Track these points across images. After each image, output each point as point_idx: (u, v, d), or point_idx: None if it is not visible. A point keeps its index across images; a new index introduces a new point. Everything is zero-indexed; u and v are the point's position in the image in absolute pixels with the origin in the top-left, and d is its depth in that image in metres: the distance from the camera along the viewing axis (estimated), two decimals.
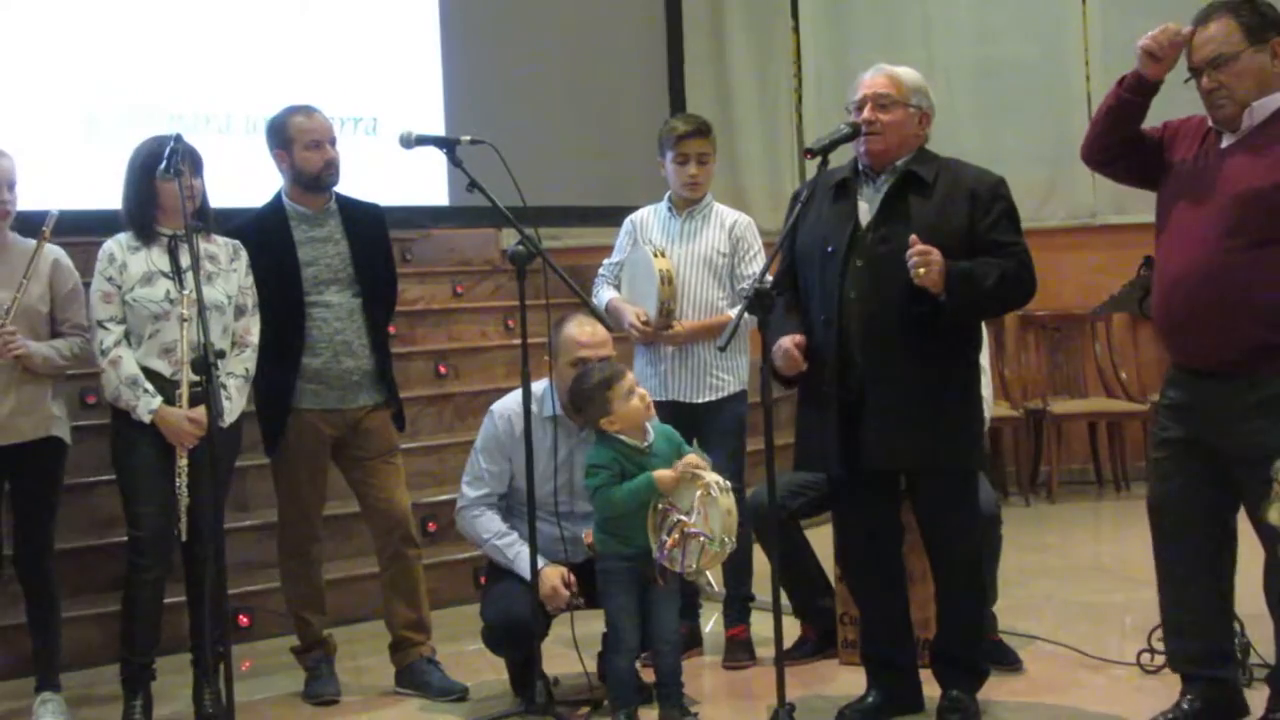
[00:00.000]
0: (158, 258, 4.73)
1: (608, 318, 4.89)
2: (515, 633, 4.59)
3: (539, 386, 4.66)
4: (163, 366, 4.69)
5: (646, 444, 4.48)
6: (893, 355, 4.19)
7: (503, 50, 8.94)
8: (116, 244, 4.75)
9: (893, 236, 4.22)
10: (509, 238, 7.73)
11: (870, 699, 4.48)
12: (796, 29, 9.68)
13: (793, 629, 5.22)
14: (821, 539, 5.01)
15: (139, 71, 7.68)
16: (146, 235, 4.74)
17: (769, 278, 4.24)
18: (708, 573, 4.87)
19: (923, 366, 4.19)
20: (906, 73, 4.38)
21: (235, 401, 4.75)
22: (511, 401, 4.70)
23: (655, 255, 5.15)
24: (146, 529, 4.68)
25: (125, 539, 4.79)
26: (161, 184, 4.62)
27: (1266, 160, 3.88)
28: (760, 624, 5.21)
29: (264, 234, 4.97)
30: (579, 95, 9.20)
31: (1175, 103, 4.18)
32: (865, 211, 4.31)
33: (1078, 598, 6.12)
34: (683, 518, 4.30)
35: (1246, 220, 3.86)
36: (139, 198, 4.73)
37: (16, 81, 7.37)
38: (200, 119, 7.78)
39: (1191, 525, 4.07)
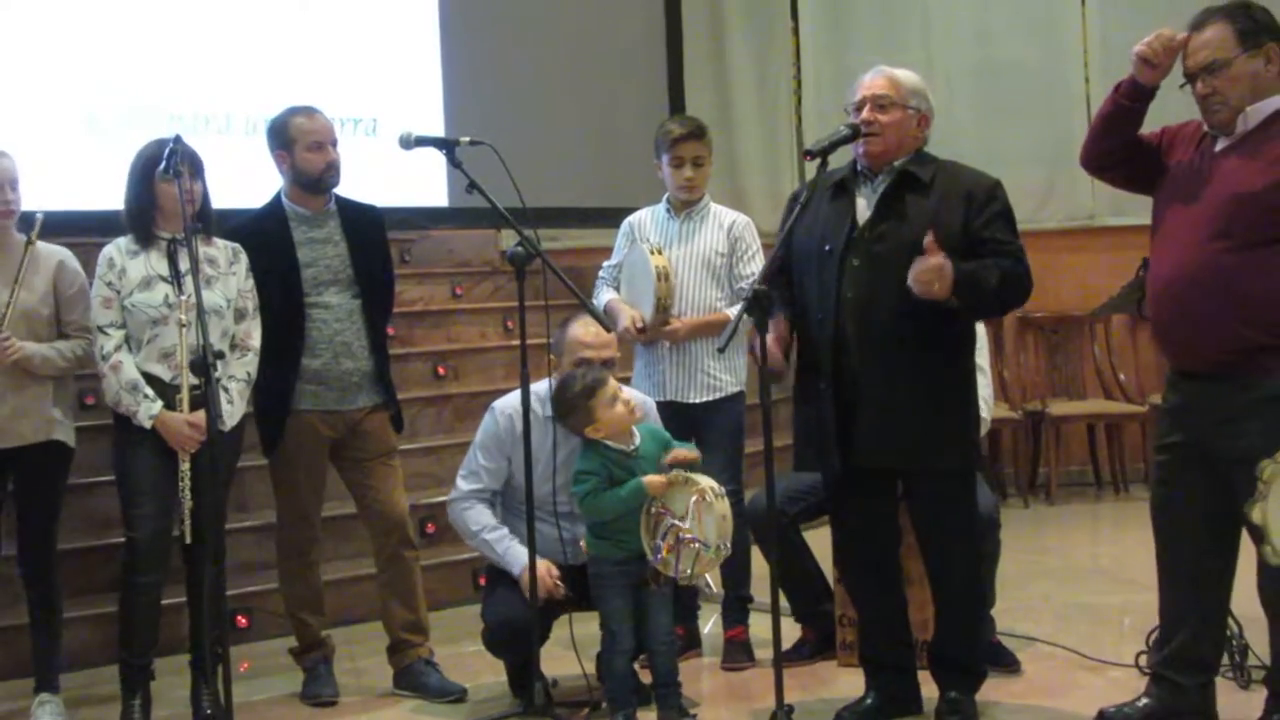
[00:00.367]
0: (156, 262, 4.73)
1: (607, 320, 4.89)
2: (516, 635, 4.59)
3: (541, 386, 4.66)
4: (162, 371, 4.69)
5: (633, 448, 4.48)
6: (888, 354, 4.19)
7: (502, 51, 8.95)
8: (115, 249, 4.75)
9: (889, 236, 4.23)
10: (508, 239, 7.70)
11: (869, 701, 4.48)
12: (796, 30, 9.67)
13: (791, 631, 5.22)
14: (821, 541, 5.01)
15: (139, 72, 7.69)
16: (145, 238, 4.74)
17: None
18: (706, 575, 4.87)
19: (917, 366, 4.20)
20: (905, 75, 4.38)
21: (236, 405, 4.75)
22: (514, 399, 4.69)
23: (652, 252, 5.15)
24: (143, 533, 4.68)
25: (123, 540, 4.78)
26: (161, 186, 4.63)
27: (1258, 163, 3.90)
28: (759, 626, 5.20)
29: (263, 235, 4.97)
30: (578, 96, 9.20)
31: (1171, 108, 4.19)
32: (863, 211, 4.31)
33: (1076, 599, 6.12)
34: (677, 523, 4.30)
35: (1237, 222, 3.87)
36: (139, 201, 4.73)
37: (16, 81, 7.38)
38: (200, 119, 7.78)
39: (1191, 530, 4.08)
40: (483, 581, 5.30)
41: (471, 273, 8.62)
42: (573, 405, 4.48)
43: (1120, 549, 7.29)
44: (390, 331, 5.36)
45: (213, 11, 7.98)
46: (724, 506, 4.27)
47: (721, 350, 4.55)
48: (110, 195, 4.90)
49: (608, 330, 4.77)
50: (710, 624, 5.59)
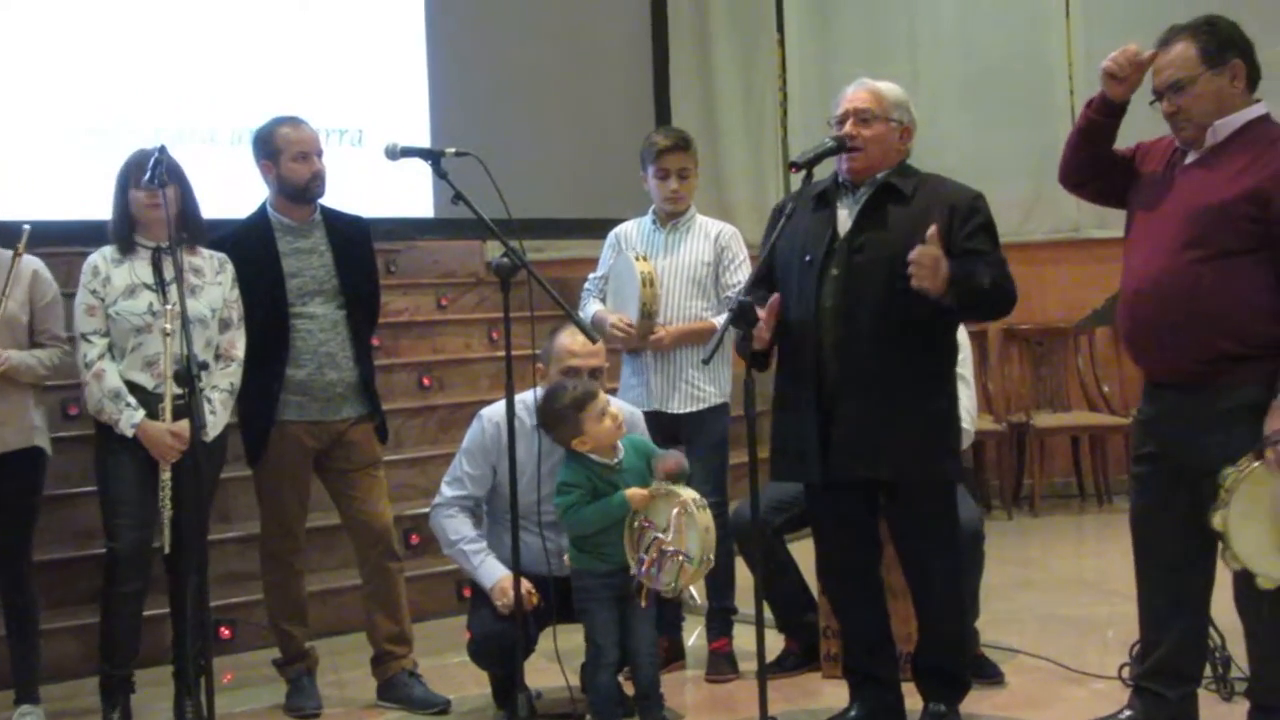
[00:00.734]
0: (141, 270, 4.73)
1: (594, 331, 4.89)
2: (503, 647, 4.57)
3: (529, 396, 4.66)
4: (145, 379, 4.69)
5: (616, 461, 4.48)
6: (867, 365, 4.19)
7: (488, 63, 8.95)
8: (100, 257, 4.76)
9: (869, 247, 4.24)
10: (493, 250, 7.75)
11: (853, 713, 4.48)
12: (782, 42, 9.70)
13: (776, 642, 5.22)
14: (804, 552, 5.01)
15: (124, 83, 7.68)
16: (127, 247, 4.74)
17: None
18: (690, 587, 4.87)
19: (897, 376, 4.20)
20: (888, 87, 4.39)
21: (220, 415, 4.75)
22: (503, 407, 4.68)
23: (637, 259, 5.15)
24: (124, 542, 4.67)
25: (104, 551, 4.77)
26: (132, 194, 4.68)
27: (1224, 175, 3.93)
28: (743, 637, 5.21)
29: (248, 245, 4.96)
30: (564, 108, 9.21)
31: (1139, 125, 4.21)
32: (844, 222, 4.32)
33: (1060, 611, 6.13)
34: (660, 535, 4.30)
35: (1204, 234, 3.90)
36: (118, 211, 4.75)
37: (3, 93, 7.36)
38: (186, 130, 7.77)
39: (1169, 541, 4.09)
40: (467, 593, 5.29)
41: (457, 284, 8.61)
42: (561, 416, 4.48)
43: (1104, 561, 7.30)
44: (375, 342, 5.35)
45: (199, 23, 7.98)
46: (706, 518, 4.27)
47: (706, 361, 4.55)
48: (93, 206, 4.90)
49: (594, 341, 4.77)
50: (694, 636, 5.58)
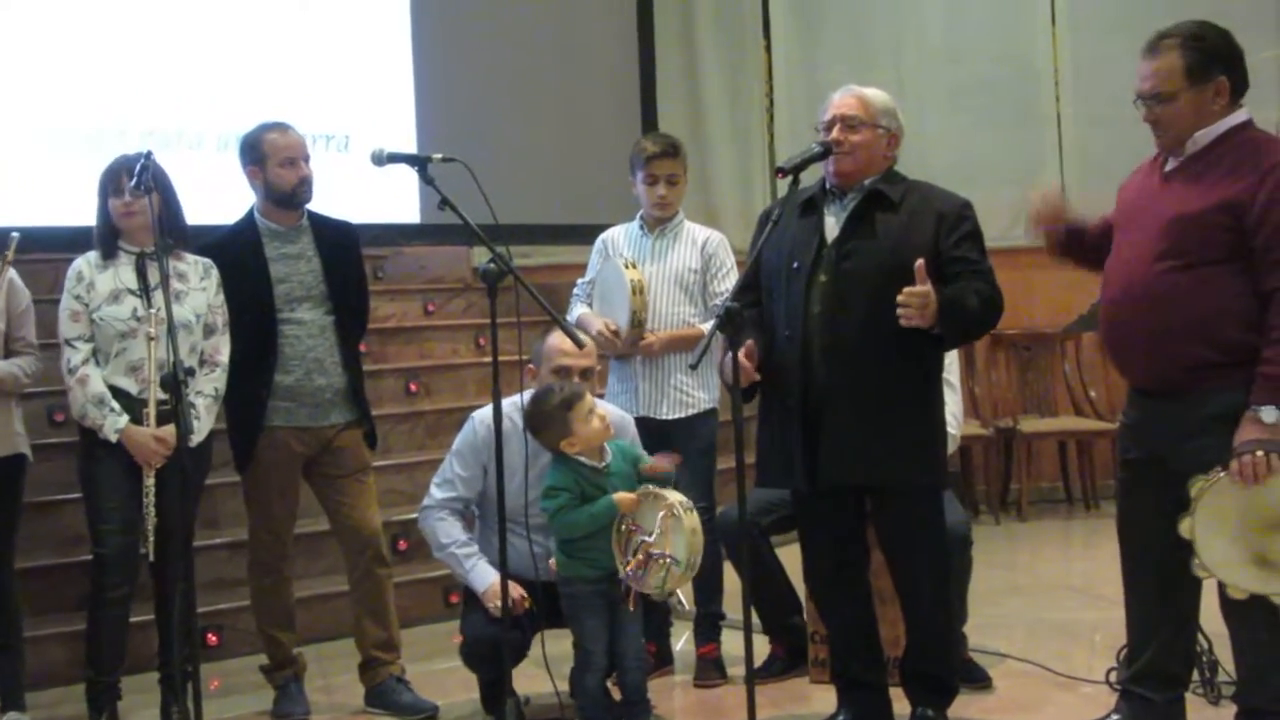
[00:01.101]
0: (125, 276, 4.73)
1: (580, 335, 4.88)
2: (496, 650, 4.55)
3: (520, 398, 4.66)
4: (129, 384, 4.69)
5: (604, 464, 4.48)
6: (854, 371, 4.20)
7: (475, 68, 8.95)
8: (85, 262, 4.77)
9: (857, 254, 4.24)
10: (480, 255, 7.73)
11: (840, 717, 4.49)
12: (768, 48, 9.70)
13: (763, 647, 5.23)
14: (792, 557, 5.01)
15: (110, 87, 7.66)
16: (109, 252, 4.74)
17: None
18: (678, 591, 4.87)
19: (884, 383, 4.20)
20: (875, 94, 4.40)
21: (204, 421, 4.75)
22: (505, 407, 4.64)
23: (626, 266, 5.16)
24: (110, 547, 4.67)
25: (91, 557, 4.76)
26: (110, 201, 4.70)
27: (1201, 186, 3.95)
28: (731, 642, 5.21)
29: (236, 251, 4.96)
30: (551, 113, 9.21)
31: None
32: (831, 229, 4.33)
33: (1047, 616, 6.13)
34: (646, 539, 4.30)
35: (1181, 243, 3.92)
36: (101, 217, 4.77)
37: None
38: (172, 135, 7.76)
39: (1155, 545, 4.10)
40: (454, 599, 5.28)
41: (444, 289, 8.60)
42: (549, 418, 4.48)
43: (1091, 565, 7.32)
44: (362, 348, 5.34)
45: (186, 28, 7.96)
46: (693, 520, 4.27)
47: (694, 367, 4.55)
48: (77, 212, 4.89)
49: (580, 346, 4.77)
50: (682, 641, 5.58)
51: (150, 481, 4.60)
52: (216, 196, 5.50)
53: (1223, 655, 4.46)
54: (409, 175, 4.54)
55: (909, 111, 4.55)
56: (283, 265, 4.97)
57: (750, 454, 4.34)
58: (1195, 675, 4.50)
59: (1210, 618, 4.24)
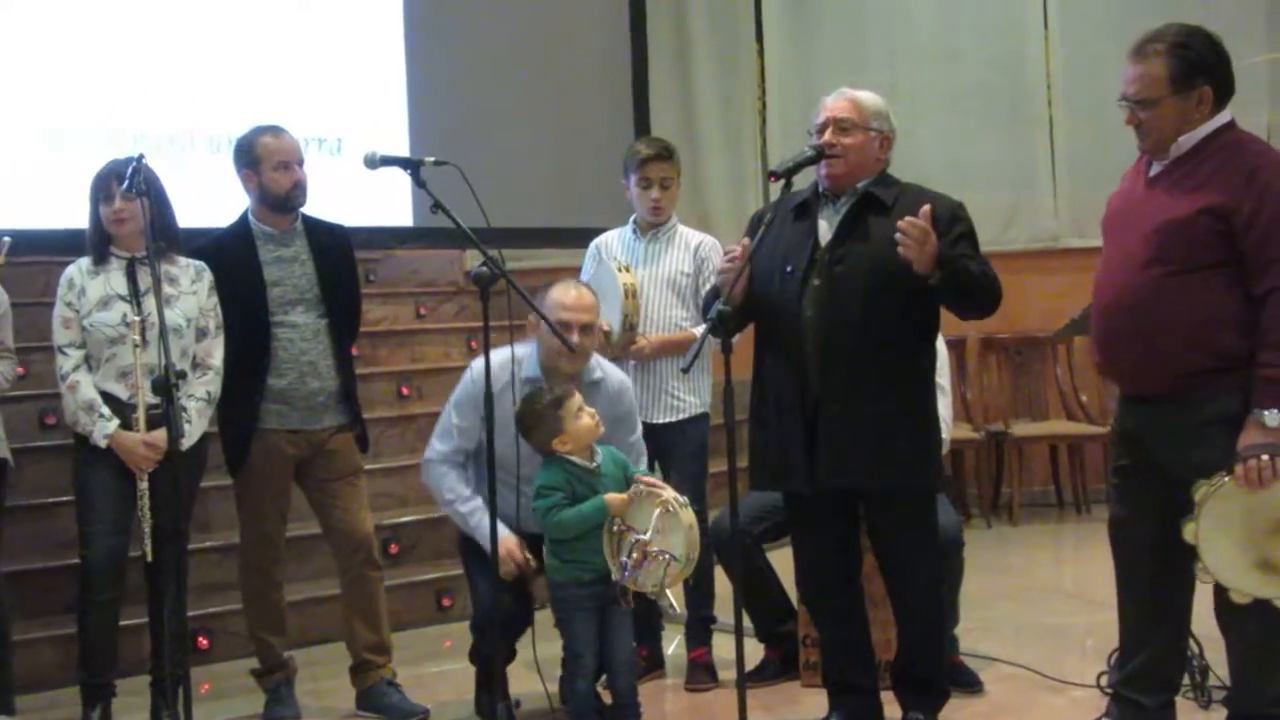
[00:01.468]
0: (115, 281, 4.73)
1: (570, 341, 4.88)
2: (506, 619, 4.55)
3: (520, 350, 4.67)
4: (120, 390, 4.69)
5: (596, 465, 4.48)
6: (848, 375, 4.20)
7: (467, 72, 8.94)
8: (76, 269, 4.77)
9: (851, 257, 4.24)
10: (473, 259, 7.71)
11: None
12: (761, 52, 9.71)
13: (755, 651, 5.23)
14: (784, 561, 5.01)
15: (102, 91, 7.65)
16: (101, 257, 4.75)
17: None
18: (669, 594, 4.87)
19: (878, 386, 4.20)
20: (868, 97, 4.40)
21: (196, 424, 4.74)
22: (494, 361, 4.58)
23: (619, 270, 5.17)
24: (97, 550, 4.67)
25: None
26: (101, 208, 4.69)
27: (1185, 190, 3.95)
28: (722, 646, 5.21)
29: (229, 254, 4.96)
30: (544, 117, 9.20)
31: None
32: (825, 232, 4.33)
33: (1038, 619, 6.14)
34: (642, 537, 4.30)
35: (1168, 249, 3.92)
36: (92, 222, 4.77)
37: None
38: (164, 138, 7.75)
39: (1148, 550, 4.11)
40: (446, 603, 5.26)
41: (436, 293, 8.60)
42: (541, 416, 4.48)
43: (1082, 569, 7.32)
44: (354, 351, 5.34)
45: (177, 30, 7.95)
46: (689, 516, 4.28)
47: (685, 370, 4.56)
48: (73, 214, 4.88)
49: (571, 350, 4.78)
50: (674, 645, 5.59)
51: (144, 485, 4.60)
52: (209, 199, 5.49)
53: (1214, 659, 4.47)
54: (401, 178, 4.54)
55: (901, 115, 4.55)
56: (276, 268, 4.97)
57: (741, 458, 4.34)
58: (1186, 679, 4.50)
59: (1202, 621, 4.24)
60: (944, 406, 4.86)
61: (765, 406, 4.39)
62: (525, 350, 4.72)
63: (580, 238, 5.67)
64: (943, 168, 8.16)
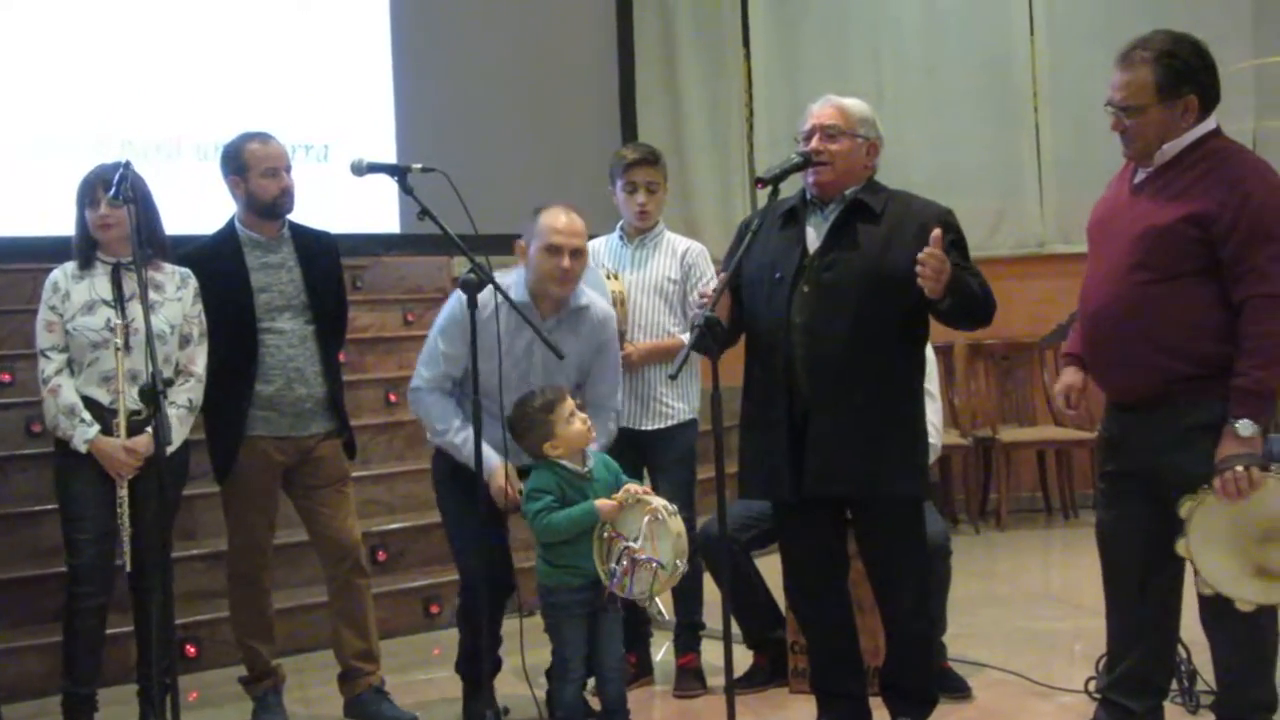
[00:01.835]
0: (100, 286, 4.72)
1: (559, 348, 4.87)
2: (495, 586, 4.55)
3: (506, 277, 4.66)
4: (102, 395, 4.67)
5: (587, 469, 4.48)
6: (836, 382, 4.19)
7: (454, 78, 8.95)
8: (61, 273, 4.76)
9: (839, 264, 4.24)
10: (460, 265, 7.72)
11: None
12: (748, 58, 9.72)
13: (744, 658, 5.22)
14: (772, 567, 5.01)
15: (89, 98, 7.66)
16: (87, 263, 4.74)
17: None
18: (658, 601, 4.87)
19: (866, 393, 4.20)
20: (854, 103, 4.40)
21: (178, 431, 4.72)
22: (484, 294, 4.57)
23: (607, 277, 5.16)
24: (83, 557, 4.65)
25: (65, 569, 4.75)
26: (87, 213, 4.69)
27: (1169, 197, 3.97)
28: (711, 652, 5.21)
29: (217, 260, 4.94)
30: (531, 123, 9.21)
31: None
32: (813, 239, 4.33)
33: (1026, 625, 6.14)
34: (631, 544, 4.31)
35: (1151, 257, 3.94)
36: (79, 227, 4.76)
37: None
38: (150, 145, 7.76)
39: (1135, 556, 4.11)
40: (434, 610, 5.22)
41: (423, 299, 8.58)
42: (533, 420, 4.48)
43: (1070, 575, 7.33)
44: (341, 358, 5.33)
45: (165, 38, 7.96)
46: (678, 524, 4.28)
47: (674, 377, 4.55)
48: (60, 221, 4.87)
49: (560, 357, 4.78)
50: (662, 651, 5.58)
51: (123, 492, 4.59)
52: (195, 206, 5.48)
53: (1201, 664, 4.48)
54: (388, 185, 4.53)
55: (888, 121, 4.56)
56: (264, 275, 4.96)
57: (731, 464, 4.35)
58: (1174, 684, 4.50)
59: (1189, 626, 4.25)
60: (933, 413, 4.87)
61: (753, 413, 4.39)
62: (510, 279, 4.69)
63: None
64: (929, 173, 8.20)
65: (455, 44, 9.02)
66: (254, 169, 4.93)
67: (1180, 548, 3.88)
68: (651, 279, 5.28)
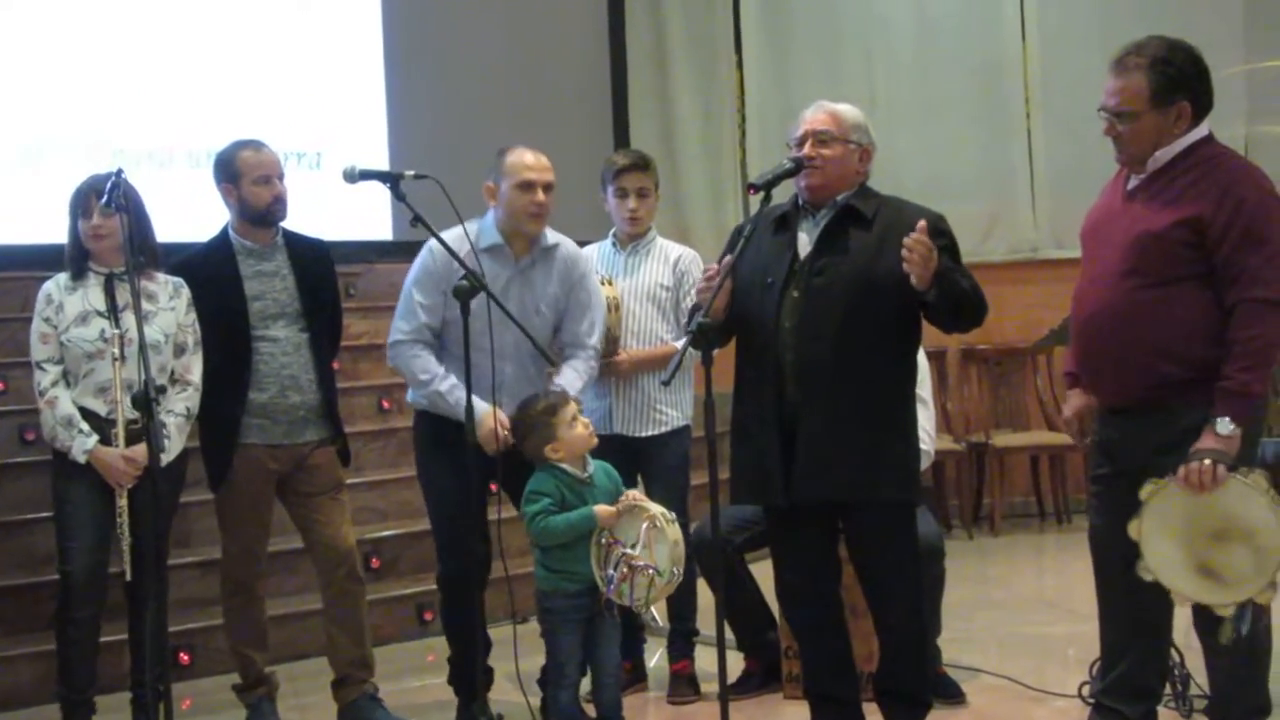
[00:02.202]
0: (93, 296, 4.72)
1: (553, 354, 4.88)
2: (476, 563, 4.59)
3: (472, 227, 4.73)
4: (98, 405, 4.67)
5: (587, 474, 4.49)
6: (827, 386, 4.19)
7: (446, 85, 8.95)
8: (54, 284, 4.76)
9: (830, 269, 4.24)
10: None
11: None
12: (740, 65, 9.72)
13: (737, 663, 5.23)
14: (766, 572, 5.01)
15: (81, 106, 7.66)
16: (78, 273, 4.74)
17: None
18: (652, 608, 4.87)
19: (857, 398, 4.20)
20: (847, 109, 4.40)
21: (175, 440, 4.72)
22: (450, 237, 4.64)
23: (602, 283, 5.17)
24: (75, 566, 4.65)
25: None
26: (80, 223, 4.69)
27: (1162, 203, 3.99)
28: (704, 658, 5.21)
29: (211, 268, 4.94)
30: (523, 130, 9.05)
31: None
32: (804, 244, 4.33)
33: (1020, 630, 6.15)
34: (629, 551, 4.31)
35: (1145, 261, 3.96)
36: (71, 237, 4.77)
37: None
38: (143, 153, 7.76)
39: (1128, 560, 4.11)
40: (428, 616, 5.19)
41: None
42: (535, 422, 4.49)
43: (1064, 579, 7.34)
44: (335, 365, 5.33)
45: (157, 46, 7.95)
46: (676, 532, 4.29)
47: (666, 383, 4.55)
48: (53, 230, 4.88)
49: (552, 363, 4.79)
50: (656, 657, 5.58)
51: (123, 502, 4.58)
52: (186, 214, 5.48)
53: (1195, 668, 4.48)
54: (381, 192, 4.55)
55: (880, 127, 4.56)
56: (257, 283, 4.95)
57: (723, 470, 4.35)
58: (1167, 689, 4.51)
59: (1183, 631, 4.25)
60: (926, 419, 4.87)
61: (744, 419, 4.39)
62: (475, 226, 4.75)
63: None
64: (921, 179, 8.19)
65: (447, 51, 9.02)
66: (246, 177, 4.93)
67: (1132, 528, 3.90)
68: (644, 286, 5.28)
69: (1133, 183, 4.11)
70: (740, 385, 4.40)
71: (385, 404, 7.64)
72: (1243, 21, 8.89)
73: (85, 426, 4.63)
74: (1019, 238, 9.27)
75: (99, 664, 4.81)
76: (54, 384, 4.68)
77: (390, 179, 4.50)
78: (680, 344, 4.89)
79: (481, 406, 4.56)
